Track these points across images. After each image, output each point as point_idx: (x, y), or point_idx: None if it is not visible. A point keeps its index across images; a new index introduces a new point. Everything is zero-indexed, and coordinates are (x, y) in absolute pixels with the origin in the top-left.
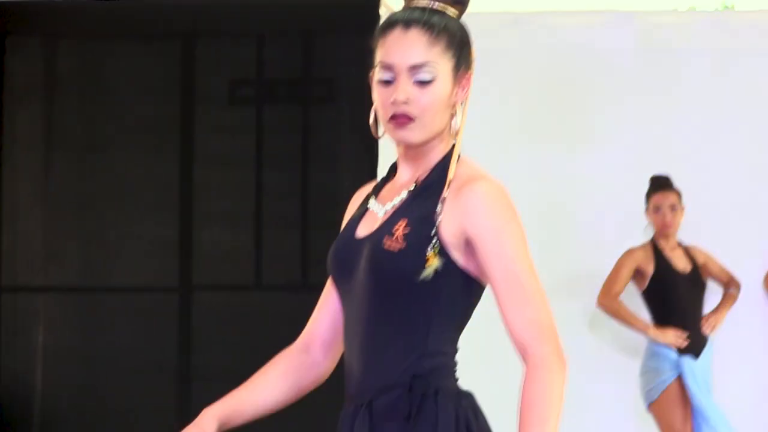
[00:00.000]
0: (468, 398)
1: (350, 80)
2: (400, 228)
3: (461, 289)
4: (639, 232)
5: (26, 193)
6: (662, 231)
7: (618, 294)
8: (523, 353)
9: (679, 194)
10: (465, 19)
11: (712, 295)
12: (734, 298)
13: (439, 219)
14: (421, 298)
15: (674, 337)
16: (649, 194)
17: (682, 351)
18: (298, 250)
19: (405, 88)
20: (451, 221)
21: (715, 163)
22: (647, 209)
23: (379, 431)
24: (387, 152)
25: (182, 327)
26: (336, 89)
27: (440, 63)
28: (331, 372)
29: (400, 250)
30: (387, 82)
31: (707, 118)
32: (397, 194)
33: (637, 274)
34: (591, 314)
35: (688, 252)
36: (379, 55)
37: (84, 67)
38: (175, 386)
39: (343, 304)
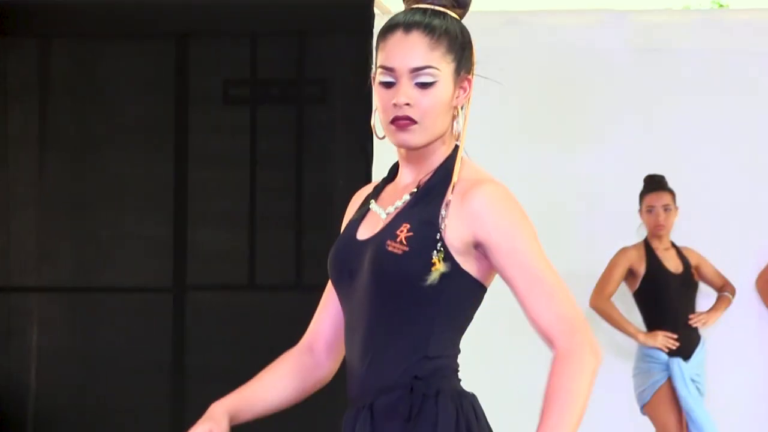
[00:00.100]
0: (469, 399)
1: (344, 80)
2: (404, 231)
3: (464, 292)
4: (638, 231)
5: (20, 193)
6: (655, 231)
7: (611, 294)
8: (553, 347)
9: (672, 195)
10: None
11: (706, 298)
12: (728, 302)
13: (443, 223)
14: (424, 301)
15: (664, 340)
16: (643, 194)
17: (672, 352)
18: (292, 250)
19: (406, 91)
20: (457, 225)
21: (709, 162)
22: (641, 209)
23: None
24: (381, 152)
25: (176, 327)
26: (330, 89)
27: (441, 66)
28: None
29: (404, 253)
30: (388, 85)
31: (701, 116)
32: (399, 197)
33: (629, 275)
34: (589, 314)
35: (681, 253)
36: (380, 58)
37: (78, 67)
38: (169, 386)
39: (344, 306)
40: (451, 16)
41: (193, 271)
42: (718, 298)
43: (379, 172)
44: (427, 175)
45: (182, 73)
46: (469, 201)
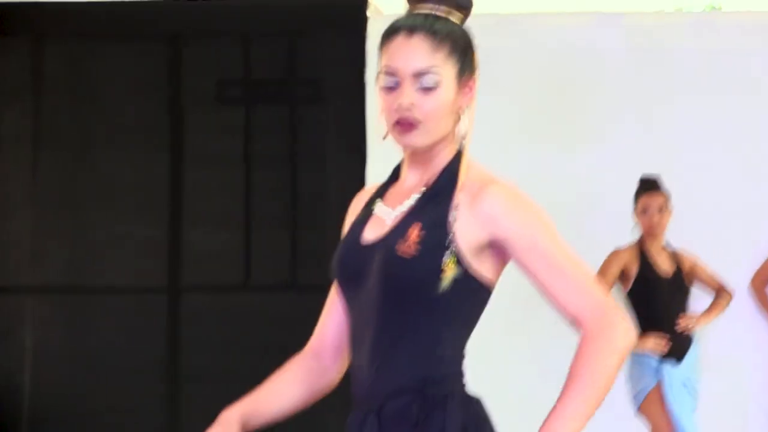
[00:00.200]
0: (476, 404)
1: (338, 80)
2: (414, 233)
3: (472, 296)
4: (632, 232)
5: (14, 193)
6: (649, 232)
7: None
8: (582, 328)
9: (667, 196)
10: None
11: (700, 301)
12: (723, 307)
13: (454, 226)
14: (434, 306)
15: (654, 343)
16: (638, 195)
17: (664, 354)
18: (287, 250)
19: (409, 94)
20: (469, 228)
21: (707, 162)
22: (635, 210)
23: None
24: (375, 152)
25: (171, 327)
26: (323, 89)
27: (444, 69)
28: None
29: (413, 257)
30: (391, 88)
31: (700, 116)
32: (405, 198)
33: (622, 276)
34: None
35: (674, 256)
36: (383, 61)
37: (72, 68)
38: (163, 386)
39: (350, 310)
40: (453, 20)
41: (187, 272)
42: (712, 303)
43: (373, 172)
44: (432, 176)
45: (176, 73)
46: (481, 202)
